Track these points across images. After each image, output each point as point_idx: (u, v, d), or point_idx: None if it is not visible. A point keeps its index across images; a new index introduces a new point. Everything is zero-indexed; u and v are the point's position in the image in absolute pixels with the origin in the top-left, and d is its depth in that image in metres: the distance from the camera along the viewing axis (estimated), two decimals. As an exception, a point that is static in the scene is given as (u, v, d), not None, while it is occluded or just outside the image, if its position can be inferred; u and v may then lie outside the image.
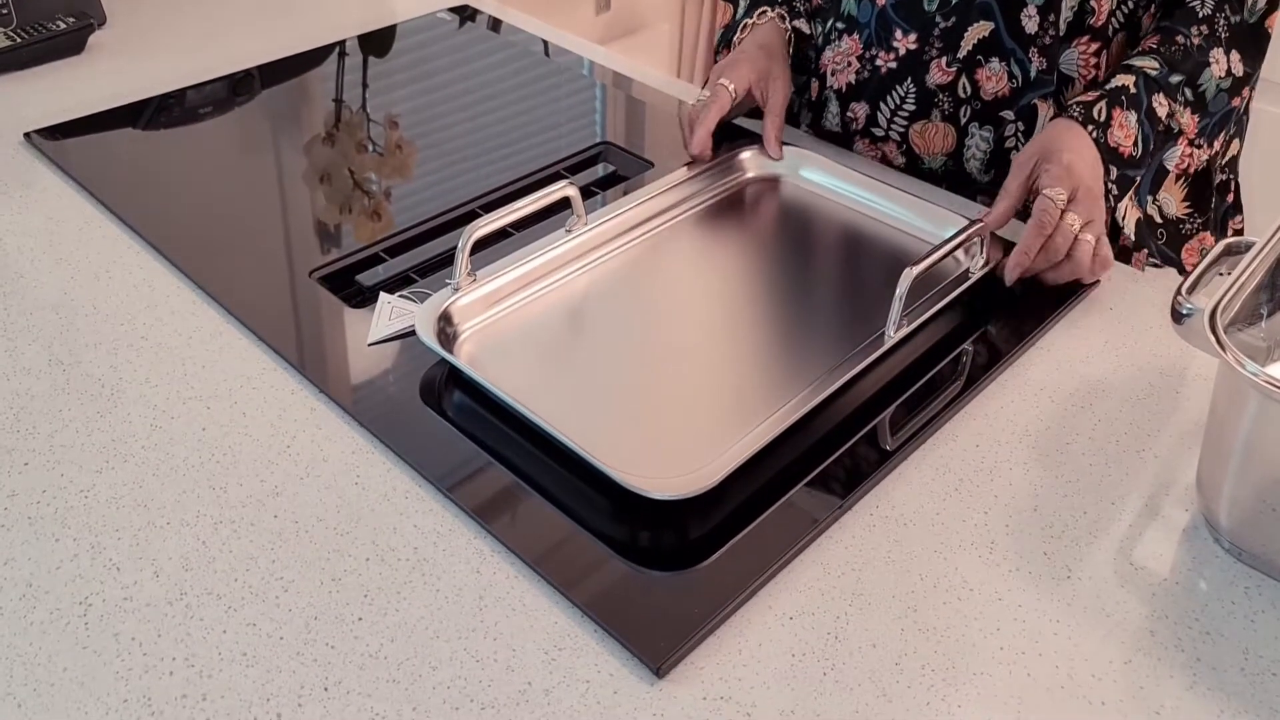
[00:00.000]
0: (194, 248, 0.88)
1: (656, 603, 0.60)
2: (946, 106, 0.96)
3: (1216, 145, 0.93)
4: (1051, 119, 0.90)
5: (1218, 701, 0.57)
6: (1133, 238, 0.89)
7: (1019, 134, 0.95)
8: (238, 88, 1.17)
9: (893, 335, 0.76)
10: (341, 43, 1.25)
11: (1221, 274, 0.72)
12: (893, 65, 0.97)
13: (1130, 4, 0.92)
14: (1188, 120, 0.89)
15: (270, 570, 0.62)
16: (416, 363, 0.77)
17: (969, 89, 0.95)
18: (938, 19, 0.94)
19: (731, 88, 0.98)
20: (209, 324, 0.80)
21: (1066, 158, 0.83)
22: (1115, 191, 0.86)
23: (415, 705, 0.55)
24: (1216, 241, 0.89)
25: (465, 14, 1.34)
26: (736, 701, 0.56)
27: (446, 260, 0.88)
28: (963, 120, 0.97)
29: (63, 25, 1.19)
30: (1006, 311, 0.83)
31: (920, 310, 0.78)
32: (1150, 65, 0.88)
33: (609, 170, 1.04)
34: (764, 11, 1.05)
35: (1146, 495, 0.68)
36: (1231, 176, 1.01)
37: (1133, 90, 0.86)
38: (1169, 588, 0.63)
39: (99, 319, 0.81)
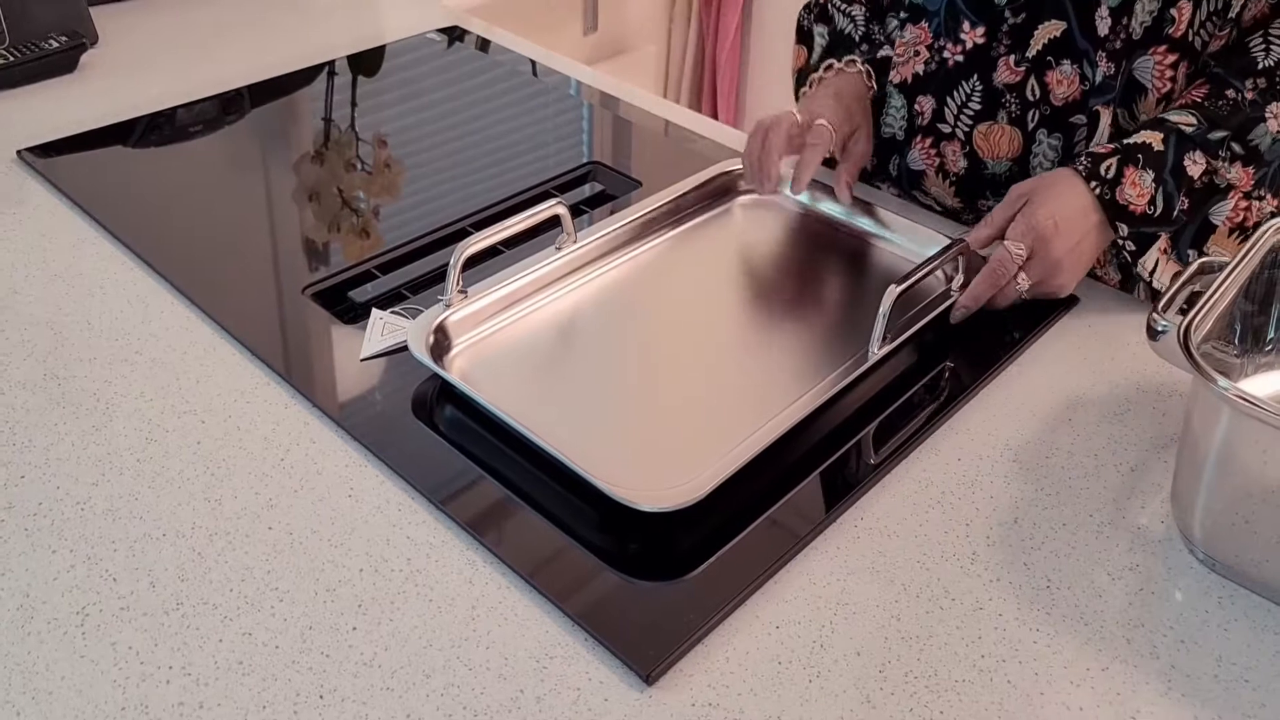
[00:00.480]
0: (187, 264, 0.89)
1: (646, 612, 0.62)
2: (1014, 109, 0.91)
3: None
4: (1109, 134, 0.87)
5: (1192, 708, 0.58)
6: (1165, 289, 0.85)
7: (1086, 140, 0.89)
8: (228, 107, 1.18)
9: (876, 352, 0.77)
10: (331, 63, 1.27)
11: (1196, 291, 0.74)
12: (959, 59, 0.92)
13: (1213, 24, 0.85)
14: (1238, 174, 0.83)
15: (265, 581, 0.62)
16: (408, 378, 0.78)
17: (1038, 92, 0.90)
18: (1007, 14, 0.89)
19: (831, 131, 0.93)
20: (203, 339, 0.81)
21: (1042, 215, 0.81)
22: (1131, 247, 0.85)
23: (409, 712, 0.56)
24: None
25: (454, 34, 1.36)
26: (724, 708, 0.57)
27: (437, 277, 0.90)
28: (1030, 125, 0.91)
29: (55, 44, 1.20)
30: (987, 328, 0.85)
31: (904, 327, 0.80)
32: (1186, 121, 0.82)
33: (598, 189, 1.06)
34: (852, 60, 0.99)
35: (1123, 508, 0.70)
36: None
37: (1157, 148, 0.82)
38: (1145, 597, 0.64)
39: (93, 335, 0.81)
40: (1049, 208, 0.82)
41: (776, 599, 0.63)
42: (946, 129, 0.95)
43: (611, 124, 1.17)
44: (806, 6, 1.05)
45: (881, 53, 1.00)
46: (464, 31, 1.37)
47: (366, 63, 1.29)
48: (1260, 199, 0.86)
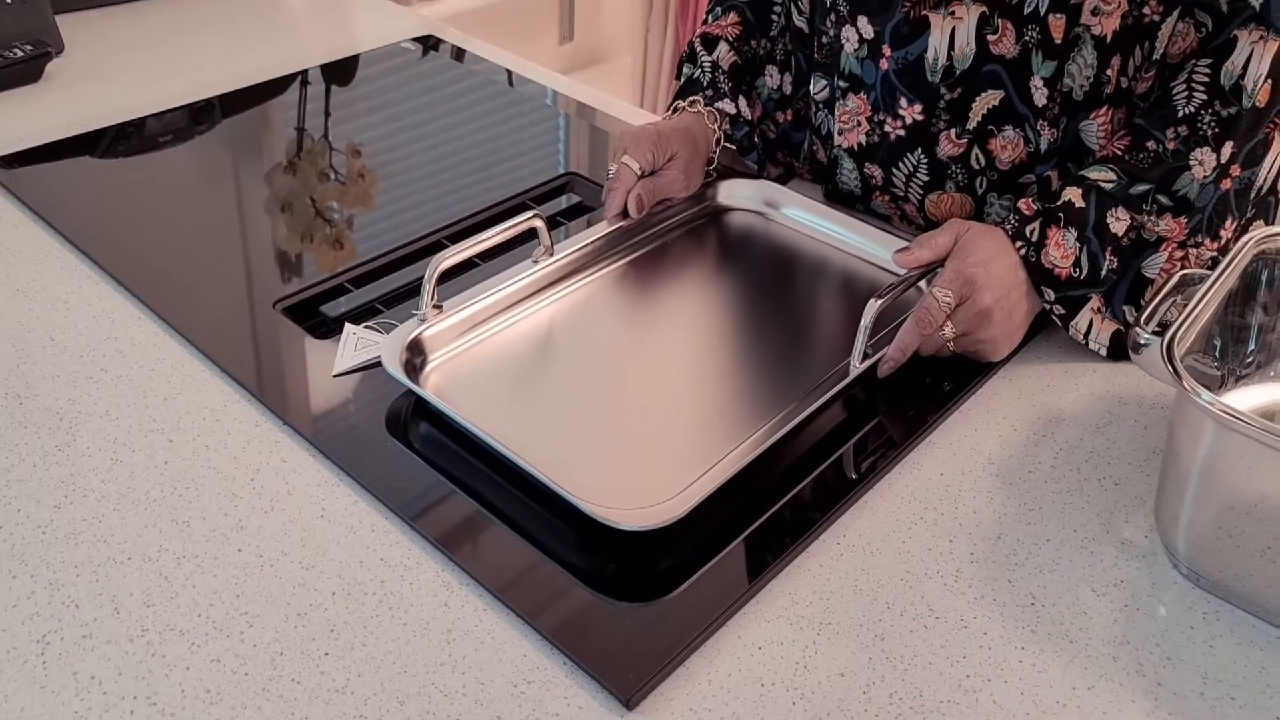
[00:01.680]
0: (154, 278, 0.87)
1: (625, 634, 0.60)
2: (961, 178, 0.91)
3: (1227, 233, 0.84)
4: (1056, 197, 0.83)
5: (1180, 726, 0.58)
6: (1105, 352, 0.84)
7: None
8: (198, 116, 1.16)
9: (858, 366, 0.76)
10: (304, 72, 1.25)
11: (1177, 303, 0.74)
12: (901, 134, 0.92)
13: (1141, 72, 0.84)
14: (1169, 225, 0.80)
15: (235, 605, 0.61)
16: (382, 394, 0.76)
17: (983, 160, 0.89)
18: (942, 90, 0.88)
19: (635, 166, 0.92)
20: (171, 355, 0.80)
21: (972, 261, 0.79)
22: (1061, 312, 0.82)
23: (383, 741, 0.55)
24: None
25: (429, 44, 1.34)
26: (706, 733, 0.56)
27: (411, 291, 0.88)
28: (980, 190, 0.91)
29: (19, 53, 1.18)
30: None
31: (885, 341, 0.79)
32: (1105, 178, 0.80)
33: (574, 200, 1.04)
34: (695, 101, 0.98)
35: (1107, 522, 0.70)
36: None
37: (1078, 205, 0.80)
38: (1130, 614, 0.64)
39: (56, 351, 0.79)
40: (979, 255, 0.79)
41: (758, 619, 0.62)
42: (900, 193, 0.95)
43: (588, 134, 1.16)
44: (690, 42, 1.05)
45: (732, 109, 0.99)
46: (439, 40, 1.35)
47: (340, 72, 1.27)
48: (1198, 245, 0.82)
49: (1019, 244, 0.80)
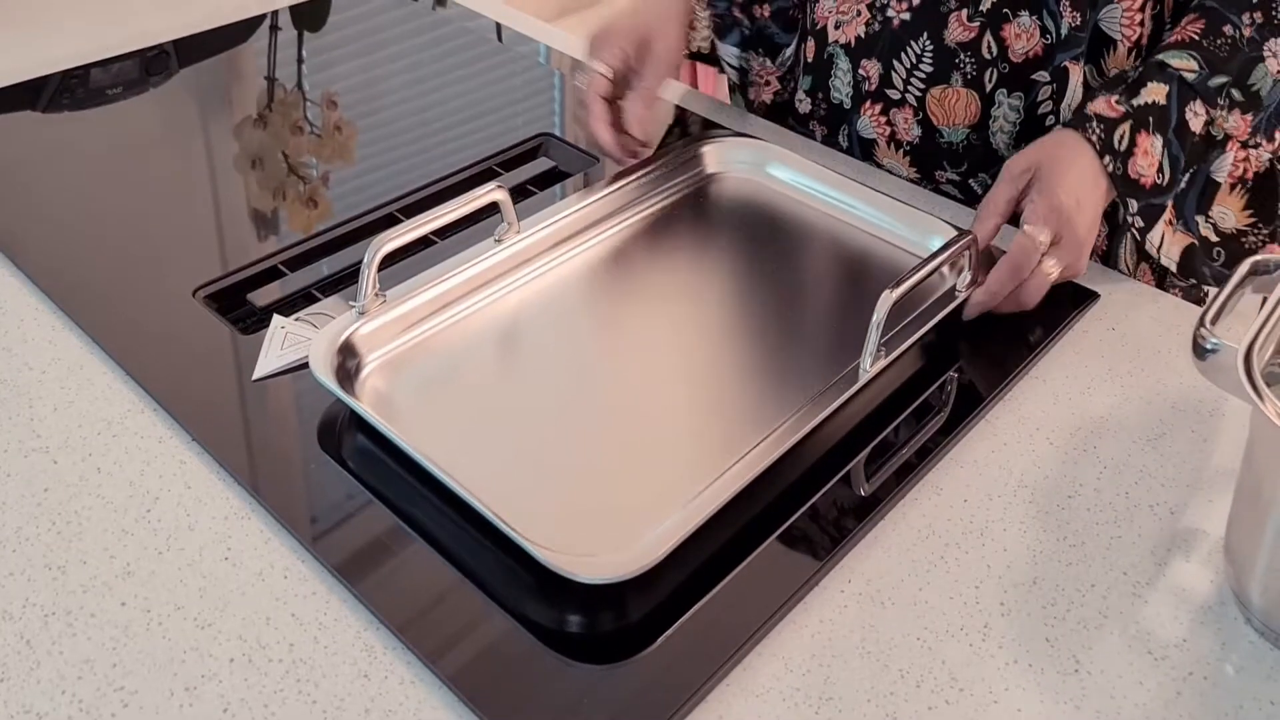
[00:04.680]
0: (61, 260, 0.76)
1: (587, 709, 0.50)
2: (969, 69, 0.83)
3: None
4: (1077, 108, 0.78)
5: (1259, 834, 0.47)
6: (1175, 268, 0.78)
7: (1054, 99, 0.82)
8: (151, 66, 1.05)
9: (869, 369, 0.65)
10: (274, 13, 1.13)
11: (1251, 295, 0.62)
12: (905, 17, 0.84)
13: None
14: (1236, 122, 0.76)
15: (108, 678, 0.50)
16: (314, 402, 0.65)
17: (994, 49, 0.82)
18: None
19: (606, 70, 0.84)
20: (69, 355, 0.69)
21: (1062, 193, 0.71)
22: (1140, 224, 0.75)
23: None
24: None
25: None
26: (677, 845, 0.46)
27: (354, 274, 0.77)
28: (988, 86, 0.83)
29: (-65, -2, 1.06)
30: (993, 335, 0.72)
31: (900, 338, 0.67)
32: (1188, 67, 0.74)
33: (550, 165, 0.92)
34: None
35: (1162, 562, 0.58)
36: None
37: (1162, 104, 0.74)
38: (1195, 682, 0.53)
39: (-61, 349, 0.69)
40: (1067, 183, 0.71)
41: (745, 692, 0.51)
42: (896, 95, 0.86)
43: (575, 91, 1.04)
44: None
45: None
46: (409, -18, 1.22)
47: (309, 16, 1.15)
48: (1256, 146, 0.77)
49: (1107, 159, 0.73)
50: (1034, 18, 0.80)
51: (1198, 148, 0.76)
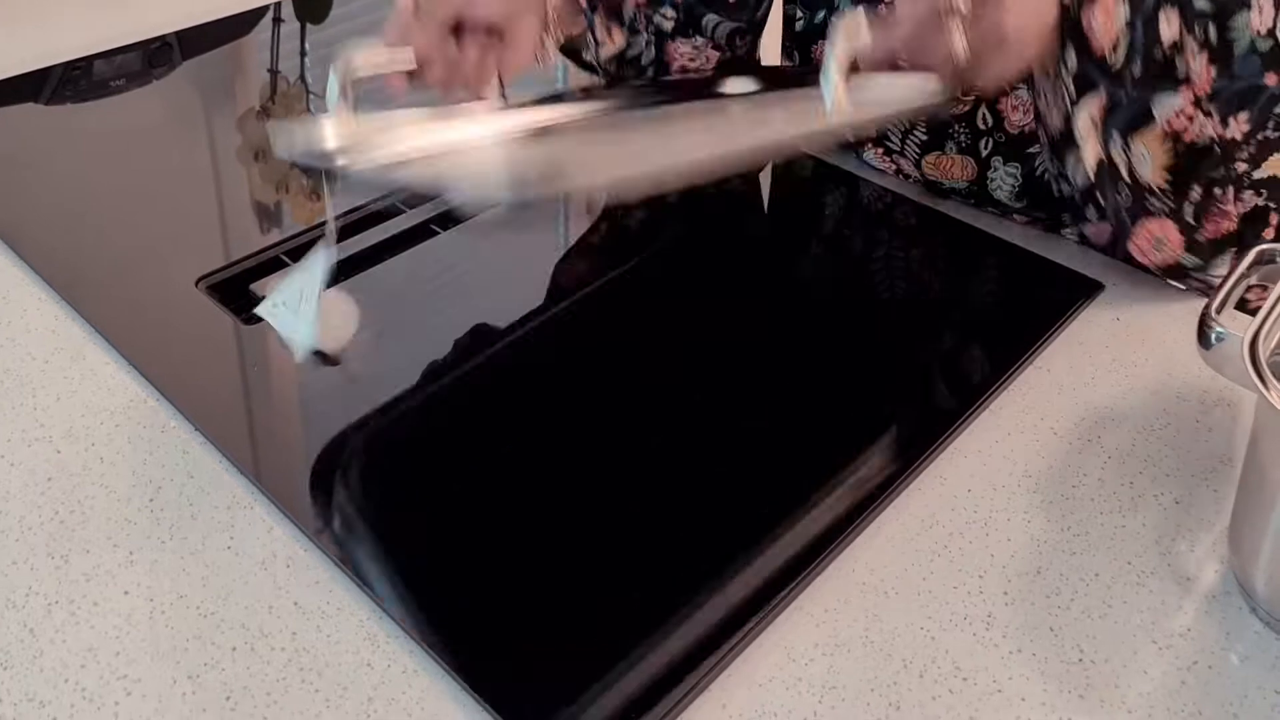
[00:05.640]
0: (64, 251, 0.76)
1: (590, 695, 0.50)
2: (963, 139, 0.81)
3: (1235, 130, 0.70)
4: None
5: (1263, 822, 0.47)
6: (1092, 175, 0.71)
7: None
8: (154, 58, 1.05)
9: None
10: (277, 5, 1.13)
11: (1253, 285, 0.62)
12: None
13: None
14: (1200, 67, 0.67)
15: (111, 667, 0.50)
16: (318, 392, 0.65)
17: (990, 120, 0.80)
18: None
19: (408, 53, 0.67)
20: (71, 345, 0.68)
21: None
22: (1072, 90, 0.69)
23: None
24: (1215, 255, 0.73)
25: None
26: (680, 834, 0.46)
27: (357, 266, 0.76)
28: (983, 153, 0.81)
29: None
30: (995, 325, 0.72)
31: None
32: None
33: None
34: None
35: (1167, 551, 0.58)
36: (1271, 205, 0.74)
37: None
38: (1199, 671, 0.52)
39: (-58, 339, 0.69)
40: None
41: (748, 681, 0.51)
42: (895, 147, 0.85)
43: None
44: None
45: None
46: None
47: (313, 7, 1.15)
48: (1208, 115, 0.68)
49: None
50: (1031, 92, 0.76)
51: (1155, 67, 0.67)
